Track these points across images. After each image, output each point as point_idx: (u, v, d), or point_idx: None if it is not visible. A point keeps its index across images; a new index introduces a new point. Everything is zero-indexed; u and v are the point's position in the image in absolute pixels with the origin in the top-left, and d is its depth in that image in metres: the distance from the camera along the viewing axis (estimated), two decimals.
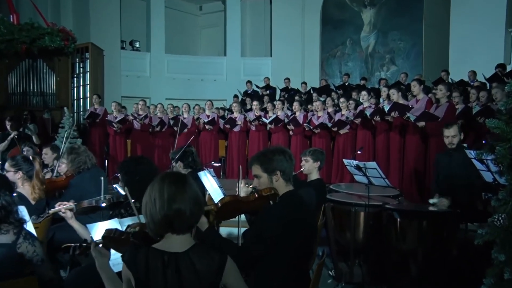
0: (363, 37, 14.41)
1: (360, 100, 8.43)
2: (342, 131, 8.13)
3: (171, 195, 1.82)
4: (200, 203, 1.90)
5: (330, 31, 14.62)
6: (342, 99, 8.48)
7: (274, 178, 2.59)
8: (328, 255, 4.26)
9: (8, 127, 7.74)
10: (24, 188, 3.71)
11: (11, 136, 7.47)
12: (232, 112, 9.57)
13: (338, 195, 4.47)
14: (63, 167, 4.64)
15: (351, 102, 8.37)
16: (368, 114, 7.43)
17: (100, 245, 2.19)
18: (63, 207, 3.17)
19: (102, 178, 3.75)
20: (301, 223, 2.52)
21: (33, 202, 3.69)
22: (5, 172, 3.72)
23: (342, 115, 8.24)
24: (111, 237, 2.18)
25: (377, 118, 7.29)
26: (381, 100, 8.29)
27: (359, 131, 7.92)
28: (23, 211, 2.76)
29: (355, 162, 4.26)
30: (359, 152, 6.39)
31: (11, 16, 8.24)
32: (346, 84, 11.82)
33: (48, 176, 4.81)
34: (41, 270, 2.58)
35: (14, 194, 3.01)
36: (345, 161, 4.62)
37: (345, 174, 7.75)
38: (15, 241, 2.53)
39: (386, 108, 7.03)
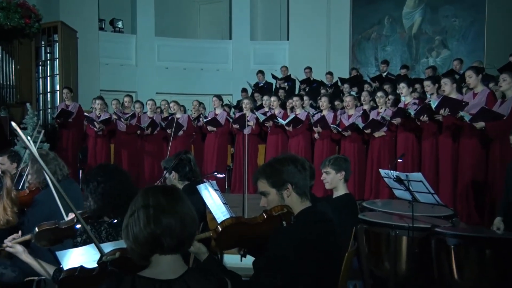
0: (405, 13, 14.40)
1: (401, 95, 8.38)
2: (377, 134, 8.09)
3: (158, 208, 1.86)
4: (193, 217, 1.94)
5: (363, 7, 14.63)
6: (378, 94, 8.44)
7: (285, 193, 2.61)
8: None
9: None
10: None
11: None
12: (242, 110, 9.57)
13: (373, 214, 4.44)
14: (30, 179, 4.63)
15: (390, 97, 8.33)
16: (412, 113, 7.38)
17: None
18: (16, 240, 3.11)
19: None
20: (324, 249, 2.52)
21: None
22: None
23: (377, 113, 8.21)
24: (73, 279, 2.16)
25: (424, 118, 7.24)
26: (427, 94, 8.24)
27: (400, 134, 7.88)
28: None
29: (395, 173, 4.23)
30: (400, 160, 6.36)
31: None
32: (384, 74, 11.78)
33: None
34: (8, 281, 2.63)
35: None
36: (382, 171, 4.58)
37: (381, 188, 7.71)
38: None
39: (434, 105, 6.97)
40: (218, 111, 9.68)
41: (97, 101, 9.55)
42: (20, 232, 3.27)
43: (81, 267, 2.24)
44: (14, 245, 3.05)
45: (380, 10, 14.54)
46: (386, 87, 9.67)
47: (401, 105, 8.03)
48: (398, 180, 4.14)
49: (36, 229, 3.06)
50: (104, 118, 9.30)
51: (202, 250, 2.42)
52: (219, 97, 9.82)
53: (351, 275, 3.78)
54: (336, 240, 2.72)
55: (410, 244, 3.99)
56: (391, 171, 4.37)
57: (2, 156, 5.38)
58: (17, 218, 3.84)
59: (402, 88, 8.06)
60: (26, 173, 4.74)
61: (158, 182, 5.22)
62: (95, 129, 9.27)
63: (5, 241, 3.14)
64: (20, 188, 4.81)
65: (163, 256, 1.89)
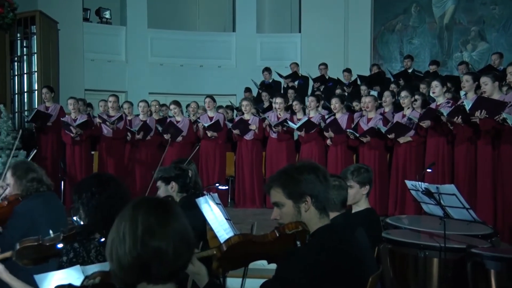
0: (436, 1, 14.40)
1: (431, 94, 8.35)
2: (402, 140, 8.08)
3: (148, 228, 1.81)
4: (188, 240, 1.89)
5: None
6: (402, 93, 8.42)
7: (302, 207, 2.58)
8: None
9: None
10: None
11: None
12: (243, 113, 9.59)
13: (399, 232, 4.42)
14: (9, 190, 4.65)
15: (417, 97, 8.30)
16: (445, 114, 7.34)
17: None
18: None
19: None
20: (343, 274, 2.49)
21: None
22: None
23: (403, 116, 8.19)
24: None
25: (458, 120, 7.20)
26: (461, 93, 8.21)
27: (429, 139, 7.86)
28: None
29: (424, 185, 4.20)
30: (429, 170, 6.33)
31: None
32: (409, 70, 11.75)
33: None
34: None
35: None
36: (408, 183, 4.56)
37: (407, 202, 7.72)
38: None
39: (468, 106, 6.93)
40: (211, 113, 9.67)
41: (69, 101, 9.48)
42: None
43: (70, 285, 2.25)
44: None
45: None
46: (422, 86, 9.54)
47: (432, 105, 7.98)
48: (427, 193, 4.13)
49: (18, 246, 3.05)
50: (81, 121, 9.21)
51: (202, 272, 2.37)
52: (212, 97, 9.81)
53: None
54: (358, 264, 2.69)
55: (442, 268, 3.96)
56: (419, 183, 4.35)
57: None
58: None
59: (435, 86, 7.91)
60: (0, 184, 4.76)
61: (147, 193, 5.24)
62: (72, 134, 9.19)
63: None
64: None
65: (151, 285, 1.85)
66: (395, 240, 4.19)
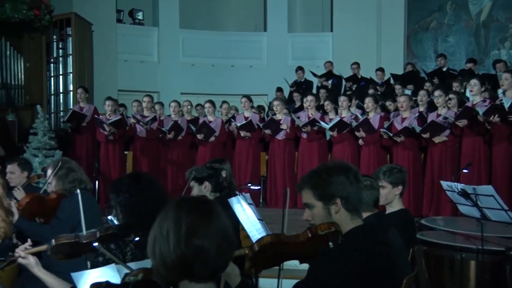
0: None
1: (468, 93, 8.24)
2: (437, 139, 7.99)
3: (191, 227, 1.83)
4: (230, 240, 1.91)
5: None
6: (436, 92, 8.32)
7: (332, 208, 2.57)
8: None
9: None
10: None
11: None
12: (275, 113, 9.59)
13: (434, 234, 4.38)
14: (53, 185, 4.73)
15: (451, 96, 8.19)
16: (480, 113, 7.23)
17: None
18: (29, 250, 3.14)
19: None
20: (376, 276, 2.47)
21: None
22: None
23: (437, 115, 8.09)
24: None
25: (495, 119, 7.08)
26: (499, 91, 8.08)
27: (465, 139, 7.78)
28: None
29: (460, 186, 4.14)
30: (465, 171, 6.25)
31: None
32: (444, 69, 11.60)
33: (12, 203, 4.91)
34: None
35: None
36: (444, 183, 4.51)
37: (443, 203, 7.66)
38: None
39: (507, 104, 6.83)
40: (248, 113, 9.70)
41: (107, 102, 9.58)
42: (29, 240, 3.30)
43: (107, 283, 2.29)
44: (27, 255, 3.08)
45: None
46: (456, 84, 9.41)
47: (468, 104, 7.87)
48: (463, 194, 4.07)
49: (53, 241, 3.10)
50: (115, 119, 9.32)
51: (235, 272, 2.39)
52: (248, 97, 9.84)
53: None
54: (392, 265, 2.67)
55: (480, 270, 3.91)
56: (455, 183, 4.28)
57: (11, 164, 5.55)
58: (12, 228, 3.89)
59: (474, 85, 7.83)
60: (47, 180, 4.85)
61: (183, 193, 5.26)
62: (105, 133, 9.32)
63: (17, 250, 3.15)
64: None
65: (193, 283, 1.87)
66: (430, 242, 4.15)
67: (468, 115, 7.57)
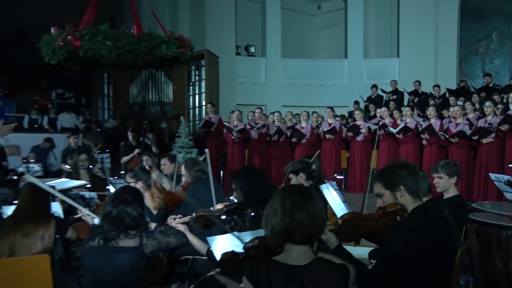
0: None
1: (510, 103, 7.76)
2: (485, 141, 7.59)
3: (293, 205, 1.91)
4: (323, 215, 1.97)
5: (471, 23, 13.62)
6: (487, 103, 7.88)
7: (398, 194, 2.56)
8: (474, 286, 3.95)
9: (130, 137, 8.64)
10: (145, 198, 4.04)
11: (135, 153, 8.52)
12: (355, 120, 9.45)
13: (483, 215, 4.14)
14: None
15: (499, 106, 7.74)
16: None
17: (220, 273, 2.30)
18: (177, 221, 3.29)
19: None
20: (438, 243, 2.43)
21: (154, 212, 4.02)
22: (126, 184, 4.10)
23: (485, 121, 7.67)
24: (227, 260, 2.29)
25: None
26: None
27: (508, 140, 7.36)
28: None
29: (506, 177, 3.92)
30: (510, 165, 5.88)
31: (132, 27, 9.09)
32: (490, 85, 10.94)
33: (166, 186, 5.16)
34: (174, 245, 2.92)
35: None
36: (492, 175, 4.30)
37: (489, 191, 7.28)
38: (140, 243, 2.81)
39: None
40: (331, 120, 9.64)
41: (236, 112, 9.80)
42: (179, 215, 3.45)
43: (233, 252, 2.36)
44: (177, 224, 3.23)
45: (489, 25, 13.44)
46: (496, 97, 8.95)
47: (509, 113, 7.42)
48: (509, 183, 3.85)
49: (194, 214, 3.21)
50: (240, 128, 9.54)
51: (332, 239, 2.43)
52: (332, 108, 9.83)
53: (462, 271, 3.57)
54: (449, 237, 2.60)
55: None
56: (502, 175, 4.06)
57: (164, 158, 5.91)
58: (164, 204, 4.11)
59: None
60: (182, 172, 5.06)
61: (282, 183, 5.32)
62: (233, 137, 9.56)
63: (169, 219, 3.33)
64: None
65: (295, 245, 1.92)
66: (480, 221, 3.95)
67: (509, 121, 7.16)
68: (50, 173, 8.31)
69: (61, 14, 11.95)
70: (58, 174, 7.28)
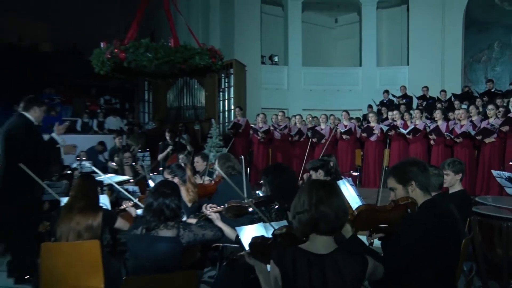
0: None
1: (510, 106, 7.57)
2: (487, 140, 7.42)
3: (319, 199, 1.90)
4: (345, 209, 1.96)
5: (475, 34, 13.33)
6: (489, 106, 7.71)
7: (409, 188, 2.54)
8: (477, 272, 3.89)
9: (168, 137, 8.78)
10: (181, 192, 4.10)
11: (168, 149, 8.55)
12: (369, 122, 9.37)
13: (486, 208, 4.08)
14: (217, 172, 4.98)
15: (500, 109, 7.57)
16: None
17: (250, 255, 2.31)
18: (211, 210, 3.27)
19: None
20: (444, 234, 2.40)
21: (189, 204, 4.08)
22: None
23: (487, 123, 7.51)
24: (257, 244, 2.29)
25: None
26: None
27: (509, 141, 7.19)
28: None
29: (507, 174, 3.84)
30: (511, 163, 5.75)
31: (169, 40, 9.25)
32: (492, 90, 10.68)
33: (199, 181, 5.23)
34: (209, 238, 2.93)
35: None
36: (495, 172, 4.22)
37: (491, 186, 7.12)
38: (178, 233, 2.84)
39: None
40: (346, 122, 9.55)
41: (261, 115, 9.80)
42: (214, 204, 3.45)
43: (262, 236, 2.35)
44: (211, 213, 3.22)
45: (491, 36, 13.13)
46: (499, 101, 8.73)
47: (510, 115, 7.25)
48: (510, 179, 3.78)
49: (226, 205, 3.20)
50: (265, 129, 9.54)
51: (348, 229, 2.42)
52: (347, 111, 9.75)
53: (466, 259, 3.52)
54: (456, 231, 2.56)
55: None
56: (503, 172, 3.98)
57: (197, 156, 5.97)
58: (197, 197, 4.14)
59: None
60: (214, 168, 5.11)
61: (300, 180, 5.31)
62: (258, 137, 9.58)
63: (203, 207, 3.32)
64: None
65: (319, 236, 1.93)
66: (483, 214, 3.89)
67: (510, 123, 7.02)
68: (99, 169, 8.48)
69: (110, 30, 12.20)
70: (104, 171, 7.45)
